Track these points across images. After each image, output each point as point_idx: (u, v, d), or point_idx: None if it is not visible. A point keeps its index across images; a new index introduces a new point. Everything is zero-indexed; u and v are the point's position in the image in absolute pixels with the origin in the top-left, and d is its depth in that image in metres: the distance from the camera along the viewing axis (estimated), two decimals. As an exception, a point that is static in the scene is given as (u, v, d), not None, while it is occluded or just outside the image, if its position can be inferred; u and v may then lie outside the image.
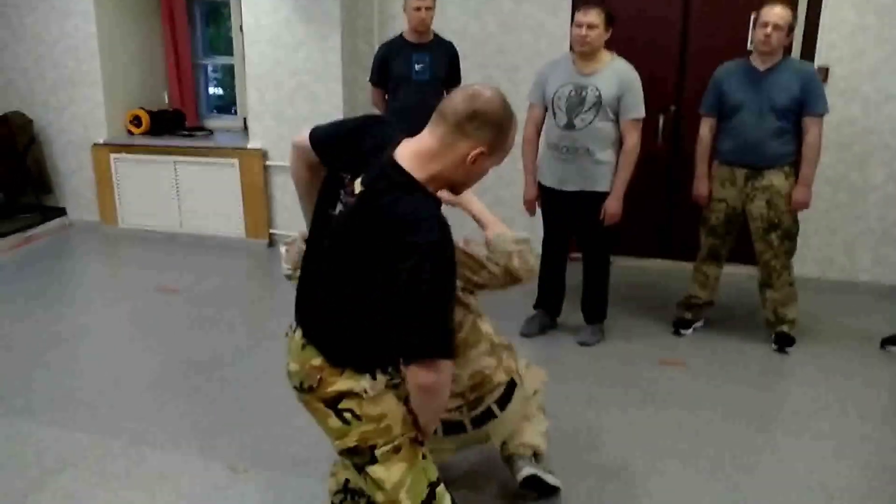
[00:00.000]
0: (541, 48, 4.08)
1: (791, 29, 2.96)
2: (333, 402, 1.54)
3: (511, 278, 1.84)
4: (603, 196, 3.06)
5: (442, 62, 3.68)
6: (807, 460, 2.40)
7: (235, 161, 4.56)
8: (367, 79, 3.85)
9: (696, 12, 3.92)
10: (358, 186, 1.46)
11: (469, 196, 1.81)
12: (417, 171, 1.42)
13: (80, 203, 5.07)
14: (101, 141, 4.82)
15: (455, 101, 1.43)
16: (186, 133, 4.93)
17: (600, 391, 2.85)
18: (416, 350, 1.39)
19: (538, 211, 3.29)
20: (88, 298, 3.95)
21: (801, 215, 3.14)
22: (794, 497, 2.21)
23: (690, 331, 3.37)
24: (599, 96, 2.95)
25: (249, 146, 4.54)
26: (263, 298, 4.00)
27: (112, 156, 4.80)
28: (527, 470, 2.03)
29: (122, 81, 4.89)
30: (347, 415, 1.54)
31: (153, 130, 4.88)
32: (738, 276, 3.84)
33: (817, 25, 3.70)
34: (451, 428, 1.89)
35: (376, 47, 3.92)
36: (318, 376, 1.54)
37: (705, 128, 3.19)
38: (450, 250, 1.39)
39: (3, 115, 4.78)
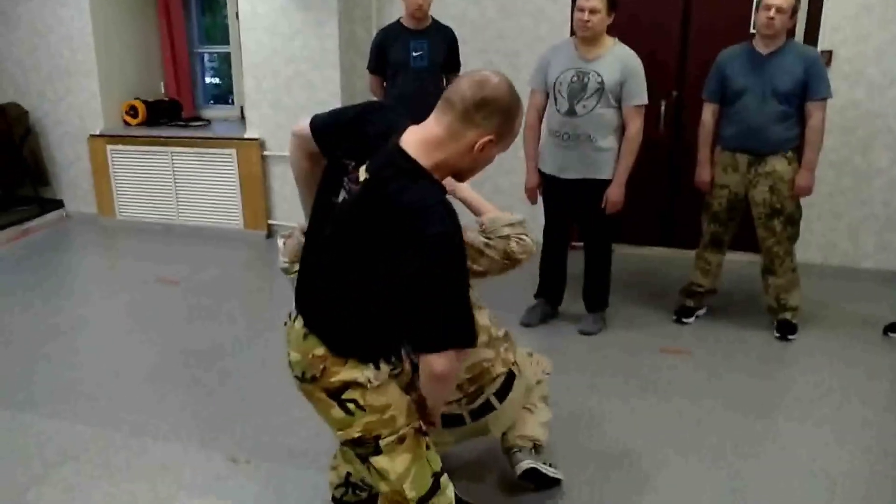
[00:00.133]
0: (541, 33, 4.03)
1: (794, 12, 2.92)
2: (337, 393, 1.53)
3: (510, 262, 1.82)
4: (605, 184, 3.03)
5: (440, 48, 3.64)
6: (809, 447, 2.40)
7: (233, 151, 4.53)
8: (366, 66, 3.81)
9: (698, -4, 3.88)
10: (363, 173, 1.43)
11: (459, 182, 1.79)
12: (423, 159, 1.40)
13: (77, 195, 5.05)
14: (98, 132, 4.79)
15: (462, 88, 1.40)
16: (183, 123, 4.89)
17: (602, 380, 2.84)
18: (435, 341, 1.38)
19: (539, 199, 3.27)
20: (87, 290, 3.94)
21: (804, 201, 3.11)
22: (797, 483, 2.20)
23: (692, 319, 3.36)
24: (602, 82, 2.92)
25: (247, 136, 4.51)
26: (262, 289, 3.98)
27: (109, 147, 4.77)
28: (526, 463, 2.02)
29: (117, 71, 4.85)
30: (351, 405, 1.52)
31: (150, 121, 4.85)
32: (739, 263, 3.82)
33: (821, 8, 3.66)
34: (450, 420, 1.88)
35: (374, 34, 3.88)
36: (322, 366, 1.52)
37: (708, 113, 3.16)
38: (460, 237, 1.38)
39: (-2, 106, 4.76)
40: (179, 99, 5.11)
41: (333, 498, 2.01)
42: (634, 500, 2.13)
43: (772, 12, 2.85)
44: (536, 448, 2.08)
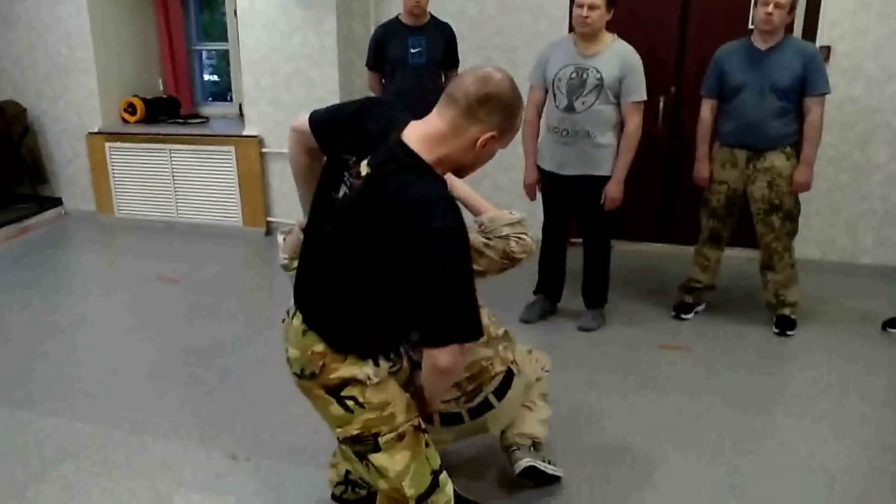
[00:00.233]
0: (540, 29, 4.03)
1: (793, 7, 2.92)
2: (336, 389, 1.53)
3: (510, 261, 1.81)
4: (603, 180, 3.03)
5: (438, 45, 3.63)
6: (808, 442, 2.40)
7: (231, 149, 4.52)
8: (364, 63, 3.80)
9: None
10: (364, 168, 1.43)
11: (455, 180, 1.78)
12: (426, 154, 1.40)
13: (75, 192, 5.04)
14: (96, 129, 4.78)
15: (466, 83, 1.40)
16: (182, 121, 4.88)
17: (601, 376, 2.85)
18: (440, 335, 1.38)
19: (538, 195, 3.26)
20: (86, 288, 3.94)
21: (802, 196, 3.11)
22: (795, 479, 2.21)
23: (691, 315, 3.36)
24: (601, 79, 2.91)
25: (245, 133, 4.50)
26: (262, 287, 3.98)
27: (107, 144, 4.76)
28: (524, 461, 2.02)
29: (116, 69, 4.84)
30: (350, 402, 1.52)
31: (148, 118, 4.83)
32: (738, 259, 3.82)
33: (819, 3, 3.65)
34: (449, 419, 1.88)
35: (372, 31, 3.87)
36: (321, 363, 1.52)
37: (706, 109, 3.16)
38: (464, 231, 1.38)
39: (-4, 104, 4.75)
40: (178, 96, 5.10)
41: (333, 495, 2.01)
42: (634, 496, 2.14)
43: (770, 8, 2.84)
44: (535, 445, 2.08)
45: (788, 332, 3.17)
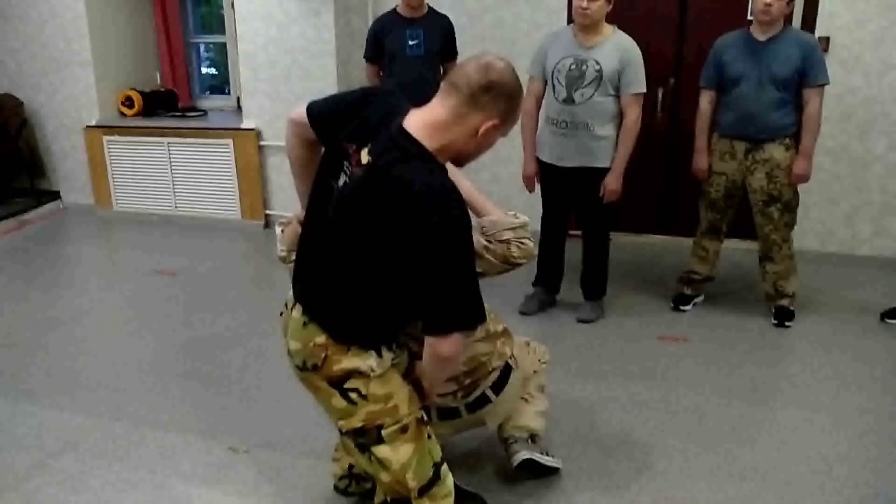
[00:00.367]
0: (538, 21, 4.01)
1: (792, -2, 2.91)
2: (339, 382, 1.52)
3: (509, 265, 1.80)
4: (602, 172, 3.03)
5: (436, 37, 3.62)
6: (806, 432, 2.41)
7: (229, 141, 4.51)
8: (362, 55, 3.78)
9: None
10: (365, 156, 1.42)
11: (459, 179, 1.77)
12: (428, 142, 1.40)
13: (73, 186, 5.03)
14: (94, 123, 4.76)
15: (468, 71, 1.40)
16: (179, 114, 4.87)
17: (600, 368, 2.85)
18: (443, 323, 1.38)
19: (537, 187, 3.26)
20: (84, 282, 3.94)
21: (801, 187, 3.11)
22: (794, 469, 2.22)
23: (690, 306, 3.37)
24: (600, 70, 2.91)
25: (243, 126, 4.49)
26: (261, 280, 3.98)
27: (105, 138, 4.75)
28: (522, 454, 2.02)
29: (113, 62, 4.82)
30: (353, 395, 1.52)
31: (146, 111, 4.82)
32: (737, 250, 3.83)
33: (818, -6, 3.64)
34: (446, 413, 1.88)
35: (370, 23, 3.85)
36: (323, 354, 1.51)
37: (705, 101, 3.15)
38: (466, 218, 1.38)
39: (-7, 97, 4.73)
40: (175, 89, 5.08)
41: (336, 488, 2.01)
42: (633, 487, 2.14)
43: (769, -2, 2.83)
44: (533, 438, 2.08)
45: (787, 323, 3.17)
